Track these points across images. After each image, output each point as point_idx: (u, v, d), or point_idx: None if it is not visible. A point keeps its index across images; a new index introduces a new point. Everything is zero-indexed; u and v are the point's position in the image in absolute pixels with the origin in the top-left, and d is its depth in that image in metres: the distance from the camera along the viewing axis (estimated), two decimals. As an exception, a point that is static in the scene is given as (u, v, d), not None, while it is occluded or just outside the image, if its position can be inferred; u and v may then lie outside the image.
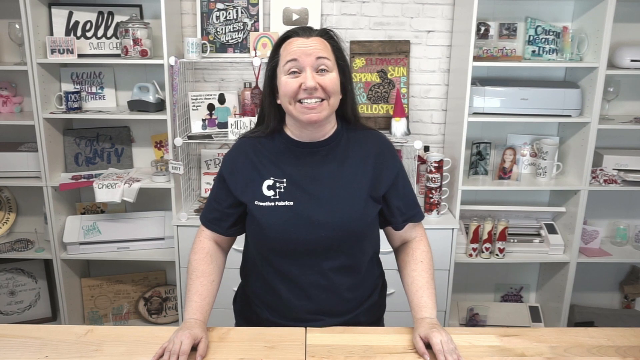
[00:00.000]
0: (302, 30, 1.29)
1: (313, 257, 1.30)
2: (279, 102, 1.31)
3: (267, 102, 1.34)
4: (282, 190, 1.30)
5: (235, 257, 1.52)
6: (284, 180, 1.31)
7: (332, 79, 1.26)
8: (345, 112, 1.36)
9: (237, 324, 1.52)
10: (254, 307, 1.42)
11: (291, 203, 1.29)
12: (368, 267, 1.41)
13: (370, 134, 1.40)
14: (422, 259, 1.38)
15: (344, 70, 1.31)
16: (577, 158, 2.53)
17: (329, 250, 1.30)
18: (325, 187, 1.30)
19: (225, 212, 1.37)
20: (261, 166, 1.33)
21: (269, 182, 1.31)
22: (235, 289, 1.54)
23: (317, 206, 1.29)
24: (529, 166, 2.67)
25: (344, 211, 1.29)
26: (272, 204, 1.29)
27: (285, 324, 1.35)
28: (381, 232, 1.46)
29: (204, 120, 2.55)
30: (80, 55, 2.45)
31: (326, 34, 1.30)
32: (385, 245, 1.49)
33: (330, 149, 1.34)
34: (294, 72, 1.25)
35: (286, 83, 1.25)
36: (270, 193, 1.30)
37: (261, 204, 1.30)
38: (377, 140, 1.39)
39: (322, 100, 1.25)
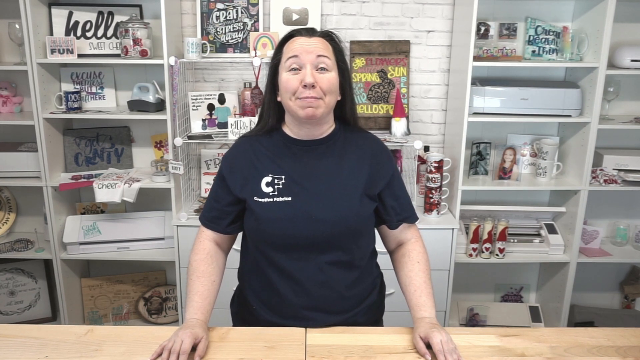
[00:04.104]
0: (305, 30, 1.33)
1: (311, 252, 1.32)
2: (279, 99, 1.35)
3: (267, 99, 1.37)
4: (280, 186, 1.32)
5: (235, 256, 1.52)
6: (282, 176, 1.33)
7: (330, 78, 1.29)
8: (344, 113, 1.39)
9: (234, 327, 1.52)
10: (251, 308, 1.43)
11: (289, 198, 1.31)
12: (366, 265, 1.42)
13: (367, 136, 1.43)
14: (419, 259, 1.40)
15: (344, 72, 1.34)
16: (577, 158, 2.53)
17: (326, 245, 1.32)
18: (322, 183, 1.33)
19: (224, 210, 1.38)
20: (259, 163, 1.35)
21: (268, 178, 1.33)
22: (235, 289, 1.54)
23: (315, 201, 1.31)
24: (529, 166, 2.67)
25: (341, 207, 1.31)
26: (271, 200, 1.31)
27: (284, 323, 1.36)
28: (378, 235, 1.47)
29: (204, 120, 2.55)
30: (80, 55, 2.45)
31: (328, 36, 1.34)
32: (383, 246, 1.49)
33: (327, 146, 1.36)
34: (295, 69, 1.28)
35: (287, 80, 1.28)
36: (269, 189, 1.32)
37: (260, 200, 1.31)
38: (374, 142, 1.42)
39: (319, 98, 1.27)
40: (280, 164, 1.34)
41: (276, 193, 1.31)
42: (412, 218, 1.44)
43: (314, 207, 1.30)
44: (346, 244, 1.34)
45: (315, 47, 1.28)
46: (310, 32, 1.32)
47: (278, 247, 1.32)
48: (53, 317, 2.83)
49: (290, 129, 1.37)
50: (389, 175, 1.39)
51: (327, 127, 1.37)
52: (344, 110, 1.38)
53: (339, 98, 1.35)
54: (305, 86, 1.25)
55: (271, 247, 1.33)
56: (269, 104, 1.37)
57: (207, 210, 1.42)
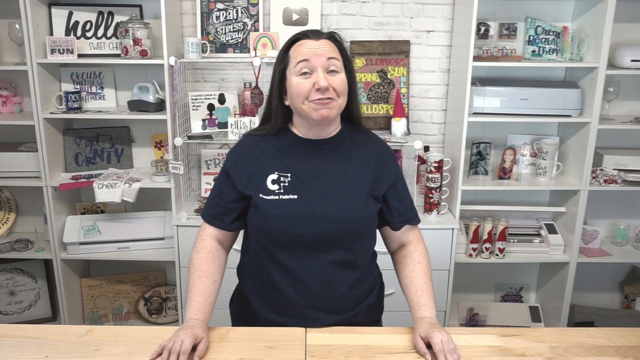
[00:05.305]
0: (311, 32, 1.33)
1: (315, 250, 1.32)
2: (287, 103, 1.34)
3: (275, 104, 1.36)
4: (286, 184, 1.32)
5: (235, 256, 1.52)
6: (288, 174, 1.33)
7: (341, 79, 1.30)
8: (351, 112, 1.40)
9: (234, 327, 1.52)
10: (250, 307, 1.43)
11: (295, 196, 1.31)
12: (367, 265, 1.42)
13: (372, 137, 1.45)
14: (420, 260, 1.40)
15: (351, 72, 1.35)
16: (577, 158, 2.53)
17: (330, 244, 1.32)
18: (328, 182, 1.33)
19: (228, 207, 1.38)
20: (265, 161, 1.35)
21: (274, 176, 1.33)
22: (234, 288, 1.54)
23: (320, 200, 1.31)
24: (529, 166, 2.67)
25: (346, 206, 1.32)
26: (277, 197, 1.31)
27: (283, 321, 1.36)
28: (378, 235, 1.48)
29: (204, 120, 2.55)
30: (80, 55, 2.45)
31: (333, 37, 1.34)
32: (383, 246, 1.50)
33: (334, 147, 1.37)
34: (306, 73, 1.28)
35: (298, 84, 1.28)
36: (274, 187, 1.32)
37: (266, 197, 1.32)
38: (379, 144, 1.44)
39: (333, 99, 1.28)
40: (287, 162, 1.34)
41: (282, 191, 1.32)
42: (415, 219, 1.45)
43: (319, 205, 1.30)
44: (350, 244, 1.34)
45: (325, 50, 1.28)
46: (317, 35, 1.32)
47: (282, 245, 1.32)
48: (53, 317, 2.83)
49: (298, 129, 1.37)
50: (393, 177, 1.40)
51: (335, 127, 1.37)
52: (350, 110, 1.38)
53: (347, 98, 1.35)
54: (319, 90, 1.26)
55: (275, 245, 1.33)
56: (276, 109, 1.36)
57: (210, 207, 1.41)
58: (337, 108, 1.30)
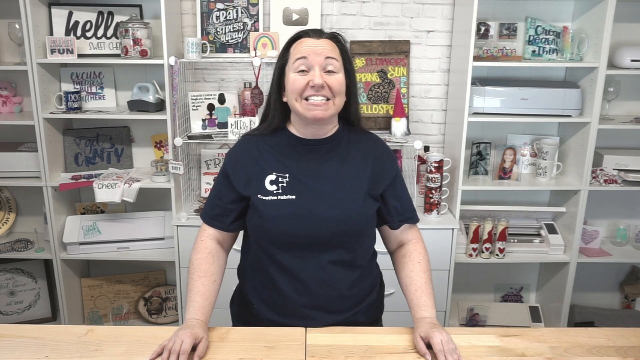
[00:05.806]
0: (312, 31, 1.34)
1: (314, 250, 1.32)
2: (285, 99, 1.35)
3: (273, 99, 1.37)
4: (284, 184, 1.33)
5: (235, 256, 1.52)
6: (287, 175, 1.33)
7: (338, 79, 1.30)
8: (349, 114, 1.40)
9: (235, 326, 1.52)
10: (251, 307, 1.43)
11: (294, 197, 1.31)
12: (367, 265, 1.43)
13: (371, 137, 1.45)
14: (420, 260, 1.40)
15: (350, 74, 1.35)
16: (577, 158, 2.53)
17: (329, 244, 1.32)
18: (326, 182, 1.33)
19: (227, 208, 1.38)
20: (264, 161, 1.35)
21: (272, 177, 1.33)
22: (235, 288, 1.54)
23: (319, 200, 1.31)
24: (529, 166, 2.67)
25: (345, 206, 1.32)
26: (275, 197, 1.31)
27: (284, 321, 1.36)
28: (378, 236, 1.48)
29: (204, 120, 2.55)
30: (80, 55, 2.45)
31: (335, 37, 1.35)
32: (383, 245, 1.50)
33: (332, 146, 1.37)
34: (303, 71, 1.29)
35: (294, 80, 1.29)
36: (273, 187, 1.33)
37: (264, 198, 1.32)
38: (377, 143, 1.44)
39: (328, 99, 1.28)
40: (285, 163, 1.35)
41: (280, 191, 1.32)
42: (413, 219, 1.45)
43: (317, 205, 1.31)
44: (349, 243, 1.34)
45: (324, 49, 1.29)
46: (318, 34, 1.32)
47: (281, 245, 1.33)
48: (53, 317, 2.83)
49: (295, 129, 1.37)
50: (391, 176, 1.40)
51: (331, 127, 1.37)
52: (348, 111, 1.39)
53: (344, 99, 1.35)
54: (313, 87, 1.26)
55: (274, 245, 1.33)
56: (274, 105, 1.37)
57: (209, 207, 1.41)
58: (332, 109, 1.30)
